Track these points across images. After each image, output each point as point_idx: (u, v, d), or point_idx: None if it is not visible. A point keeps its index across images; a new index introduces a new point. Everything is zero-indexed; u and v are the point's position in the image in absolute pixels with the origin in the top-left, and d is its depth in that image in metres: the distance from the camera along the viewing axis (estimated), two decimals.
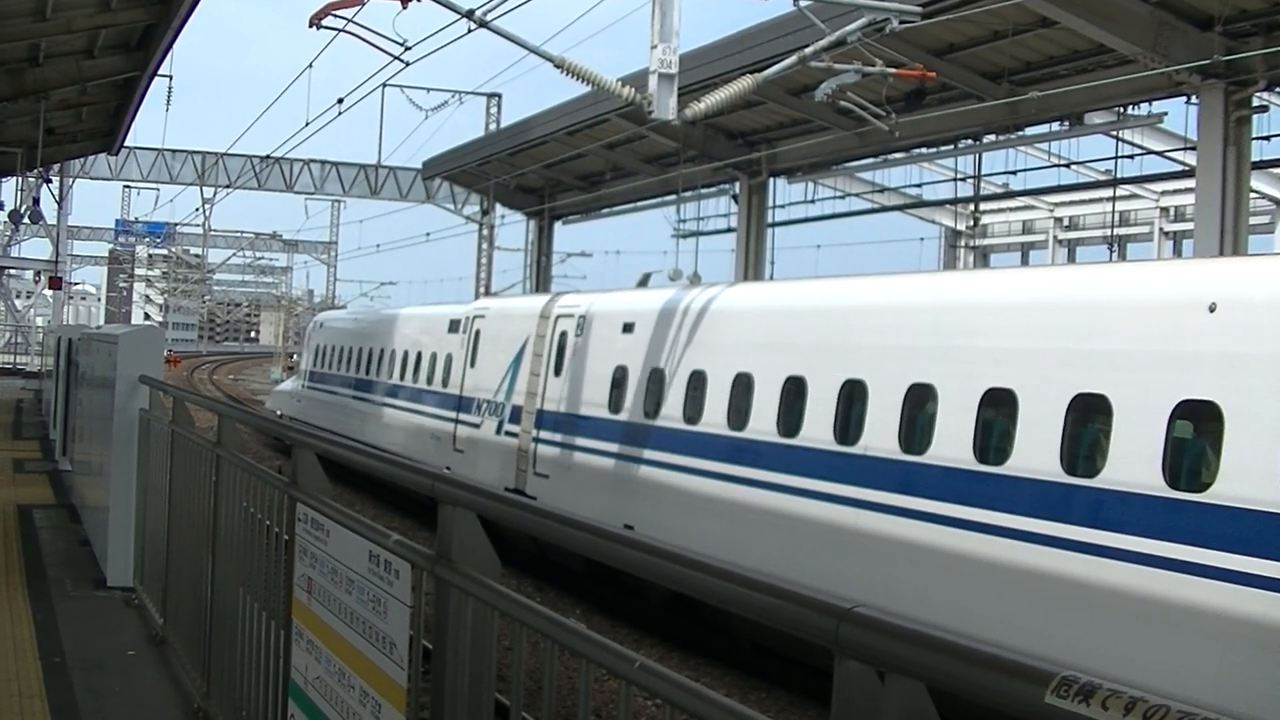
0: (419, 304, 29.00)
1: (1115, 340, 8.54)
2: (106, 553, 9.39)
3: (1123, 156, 21.14)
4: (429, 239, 50.58)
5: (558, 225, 35.58)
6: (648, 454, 13.79)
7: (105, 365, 9.91)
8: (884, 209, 28.28)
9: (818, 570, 10.29)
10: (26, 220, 34.11)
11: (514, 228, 55.85)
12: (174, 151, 45.74)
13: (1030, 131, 19.66)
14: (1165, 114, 17.80)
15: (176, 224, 65.97)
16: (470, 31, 14.22)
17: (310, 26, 14.33)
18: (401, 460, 4.30)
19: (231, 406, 7.87)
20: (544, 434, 16.21)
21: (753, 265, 25.09)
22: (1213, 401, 7.71)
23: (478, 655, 3.25)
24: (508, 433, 17.31)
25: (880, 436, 10.27)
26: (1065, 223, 31.86)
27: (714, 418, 12.67)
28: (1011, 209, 31.54)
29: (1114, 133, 19.97)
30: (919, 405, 10.03)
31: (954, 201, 26.93)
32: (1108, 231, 27.06)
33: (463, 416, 19.08)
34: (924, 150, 21.79)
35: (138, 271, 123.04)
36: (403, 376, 22.66)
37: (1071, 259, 31.00)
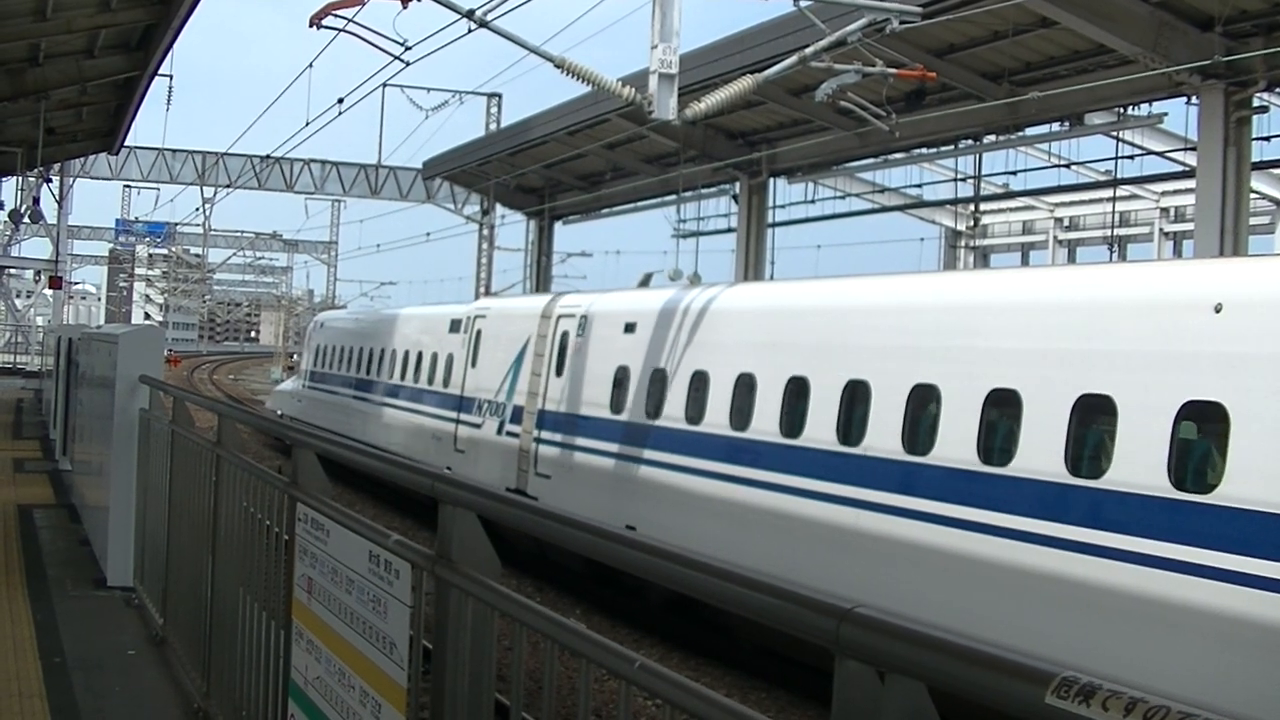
0: (419, 304, 29.01)
1: (1120, 341, 8.50)
2: (106, 552, 9.39)
3: (1123, 157, 21.15)
4: (429, 239, 50.68)
5: (558, 225, 35.58)
6: (649, 454, 13.78)
7: (105, 365, 9.91)
8: (884, 209, 28.29)
9: (821, 571, 10.28)
10: (27, 220, 34.14)
11: (514, 228, 55.92)
12: (174, 151, 45.75)
13: (1030, 132, 19.67)
14: (1165, 114, 17.83)
15: (176, 224, 66.00)
16: (470, 31, 14.23)
17: (310, 26, 14.33)
18: (402, 460, 4.30)
19: (231, 406, 7.87)
20: (545, 434, 16.20)
21: (753, 265, 25.09)
22: (1218, 403, 7.67)
23: (478, 655, 3.25)
24: (509, 433, 17.30)
25: (883, 437, 10.26)
26: (1065, 223, 31.85)
27: (716, 418, 12.65)
28: (1012, 209, 31.54)
29: (1114, 133, 19.97)
30: (922, 406, 10.02)
31: (954, 202, 26.93)
32: (1108, 232, 27.06)
33: (464, 416, 19.08)
34: (924, 150, 21.79)
35: (138, 271, 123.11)
36: (404, 376, 22.66)
37: (1072, 259, 30.99)
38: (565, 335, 16.27)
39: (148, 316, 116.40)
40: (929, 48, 17.39)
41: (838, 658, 1.93)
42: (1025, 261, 32.57)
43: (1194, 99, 15.69)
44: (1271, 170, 21.11)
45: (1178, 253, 27.87)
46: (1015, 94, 17.93)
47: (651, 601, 13.56)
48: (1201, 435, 7.98)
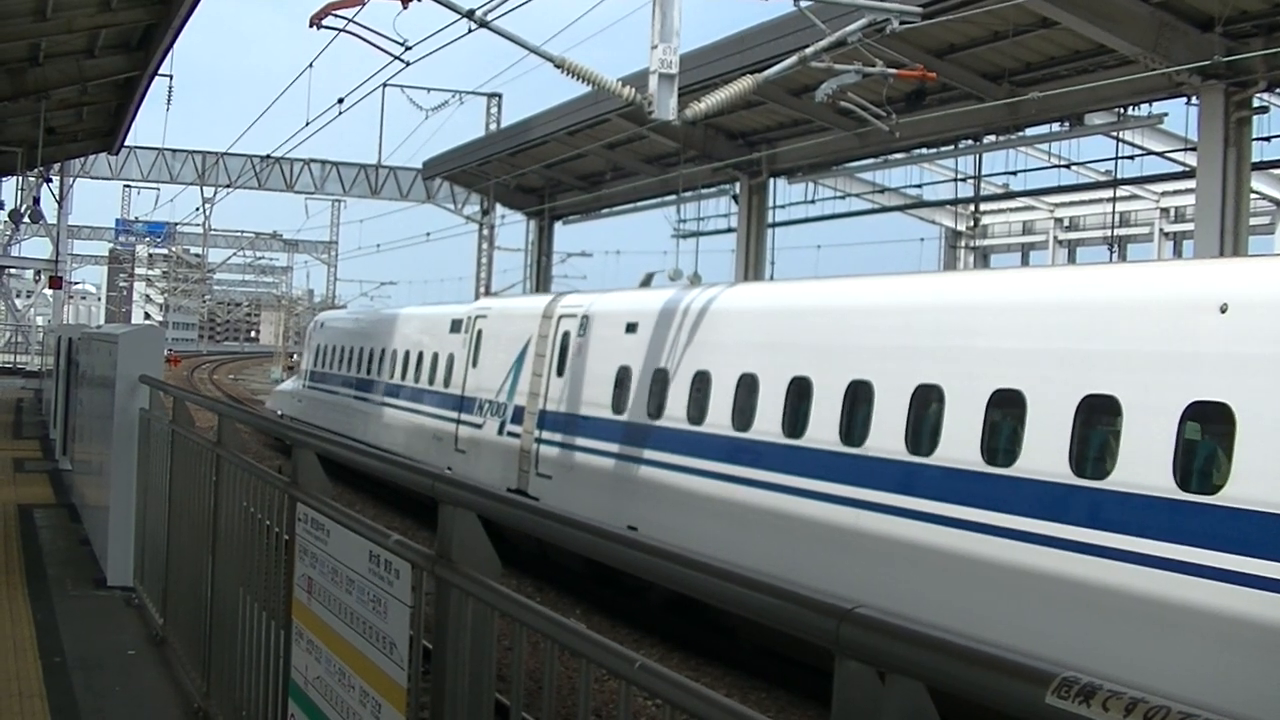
0: (419, 304, 29.01)
1: (1125, 341, 8.47)
2: (106, 552, 9.39)
3: (1123, 157, 21.16)
4: (429, 239, 50.66)
5: (558, 225, 35.58)
6: (651, 455, 13.75)
7: (105, 365, 9.91)
8: (884, 209, 28.29)
9: (823, 572, 10.26)
10: (27, 220, 34.13)
11: (514, 228, 55.92)
12: (174, 151, 45.75)
13: (1030, 132, 19.67)
14: (1166, 115, 17.82)
15: (177, 223, 65.99)
16: (470, 31, 14.23)
17: (310, 26, 14.33)
18: (402, 460, 4.30)
19: (232, 406, 7.87)
20: (546, 434, 16.18)
21: (753, 265, 25.09)
22: (1224, 403, 7.65)
23: (478, 655, 3.25)
24: (510, 433, 17.29)
25: (887, 437, 10.24)
26: (1065, 223, 31.84)
27: (719, 418, 12.62)
28: (1012, 209, 31.53)
29: (1114, 133, 19.97)
30: (926, 406, 10.00)
31: (954, 202, 26.93)
32: (1108, 232, 27.05)
33: (464, 417, 19.07)
34: (924, 151, 21.79)
35: (138, 271, 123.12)
36: (404, 376, 22.65)
37: (1072, 260, 30.98)
38: (566, 335, 16.25)
39: (148, 316, 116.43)
40: (929, 48, 17.39)
41: (838, 658, 1.93)
42: (1025, 262, 32.56)
43: (1194, 99, 15.69)
44: (1272, 170, 21.11)
45: (1178, 253, 27.86)
46: (1015, 94, 17.93)
47: (652, 602, 13.56)
48: (1207, 436, 7.94)
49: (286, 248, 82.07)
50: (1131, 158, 21.14)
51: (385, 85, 30.35)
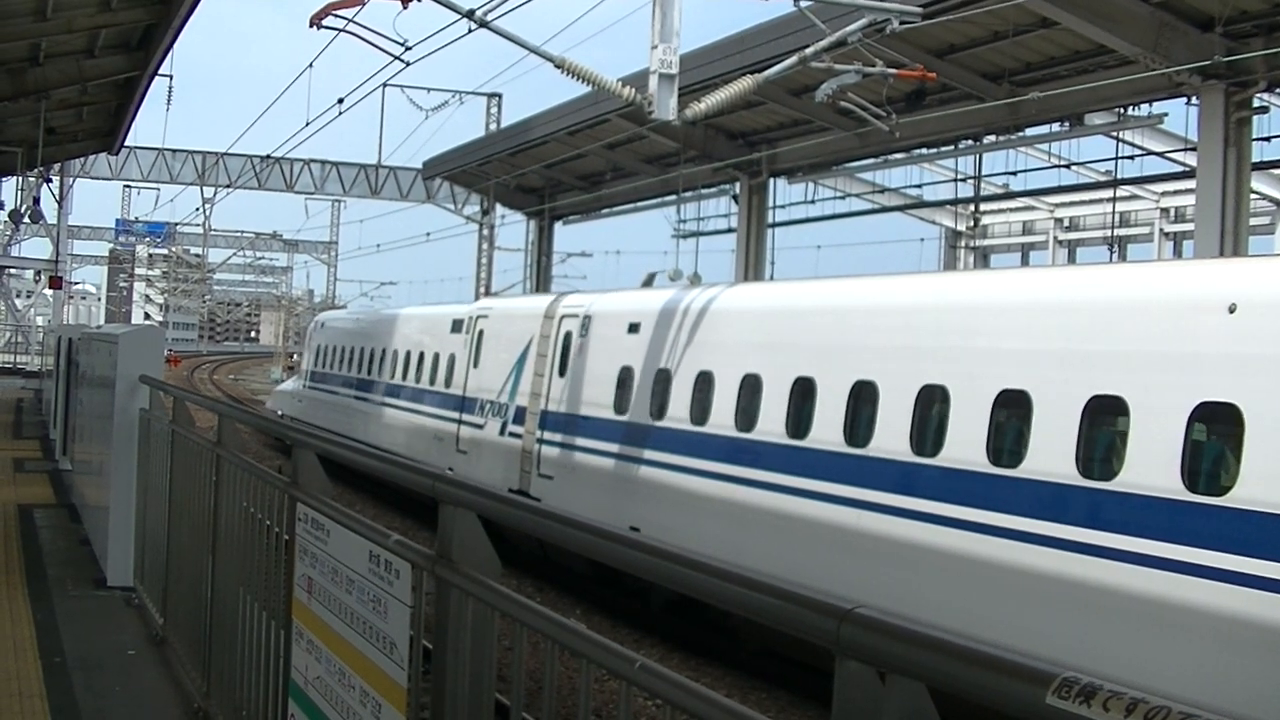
0: (420, 304, 29.00)
1: (1132, 341, 8.42)
2: (107, 552, 9.39)
3: (1123, 157, 21.15)
4: (429, 239, 50.68)
5: (558, 225, 35.59)
6: (653, 455, 13.71)
7: (105, 365, 9.91)
8: (884, 209, 28.29)
9: (828, 574, 10.23)
10: (27, 220, 34.15)
11: (514, 228, 55.94)
12: (174, 151, 45.76)
13: (1030, 132, 19.66)
14: (1166, 115, 17.82)
15: (177, 224, 65.96)
16: (470, 31, 14.23)
17: (310, 26, 14.33)
18: (402, 460, 4.30)
19: (232, 406, 7.87)
20: (548, 435, 16.16)
21: (753, 266, 25.09)
22: (1232, 404, 7.61)
23: (478, 655, 3.25)
24: (511, 433, 17.27)
25: (892, 438, 10.21)
26: (1065, 223, 31.85)
27: (722, 419, 12.59)
28: (1012, 210, 31.53)
29: (1114, 133, 19.97)
30: (931, 407, 9.97)
31: (954, 202, 26.93)
32: (1108, 232, 27.05)
33: (466, 417, 19.06)
34: (924, 151, 21.79)
35: (138, 271, 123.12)
36: (405, 377, 22.65)
37: (1072, 260, 30.99)
38: (568, 335, 16.23)
39: (148, 316, 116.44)
40: (929, 48, 17.39)
41: (838, 658, 1.93)
42: (1025, 262, 32.56)
43: (1194, 99, 15.68)
44: (1272, 170, 21.11)
45: (1178, 253, 27.86)
46: (1015, 94, 17.93)
47: (653, 604, 13.55)
48: (1215, 437, 7.90)
49: (286, 248, 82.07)
50: (1131, 158, 21.15)
51: (385, 85, 30.38)
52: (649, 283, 17.82)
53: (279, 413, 30.76)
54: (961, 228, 30.45)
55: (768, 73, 14.53)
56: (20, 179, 33.44)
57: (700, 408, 12.98)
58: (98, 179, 45.40)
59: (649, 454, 13.79)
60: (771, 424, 11.76)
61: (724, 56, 18.95)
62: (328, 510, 4.24)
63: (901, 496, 9.96)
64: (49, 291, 45.23)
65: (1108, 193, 24.45)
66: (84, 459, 12.65)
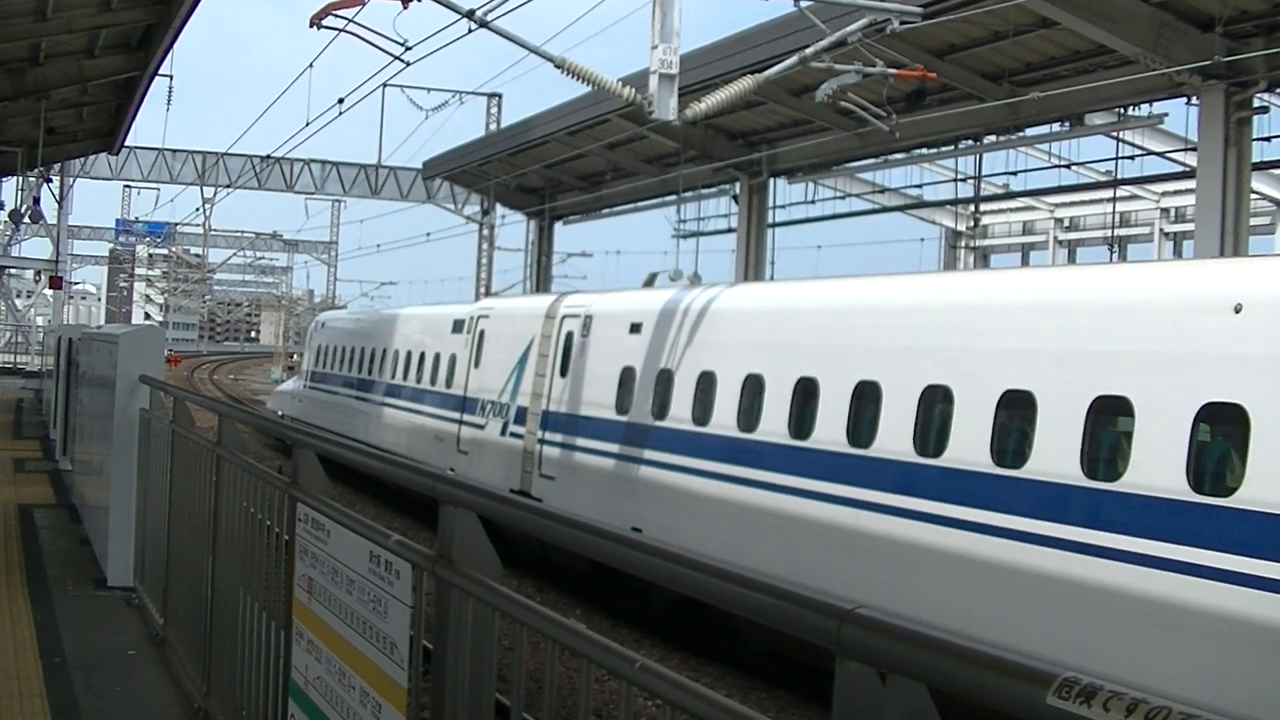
0: (420, 304, 29.00)
1: (1137, 342, 8.39)
2: (107, 552, 9.39)
3: (1123, 157, 21.15)
4: (429, 239, 50.67)
5: (558, 225, 35.59)
6: (655, 456, 13.68)
7: (105, 365, 9.91)
8: (884, 209, 28.29)
9: (831, 575, 10.21)
10: (27, 220, 34.15)
11: (514, 228, 55.96)
12: (174, 151, 45.76)
13: (1031, 132, 19.66)
14: (1166, 115, 17.82)
15: (177, 224, 65.97)
16: (470, 31, 14.23)
17: (311, 26, 14.33)
18: (402, 460, 4.30)
19: (232, 406, 7.87)
20: (549, 435, 16.14)
21: (753, 266, 25.09)
22: (1238, 404, 7.58)
23: (478, 655, 3.25)
24: (513, 434, 17.25)
25: (895, 438, 10.18)
26: (1065, 223, 31.85)
27: (724, 419, 12.56)
28: (1012, 210, 31.54)
29: (1114, 133, 19.97)
30: (934, 407, 9.93)
31: (954, 202, 26.94)
32: (1108, 232, 27.05)
33: (467, 417, 19.05)
34: (924, 151, 21.79)
35: (138, 271, 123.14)
36: (406, 377, 22.64)
37: (1072, 260, 30.99)
38: (570, 335, 16.21)
39: (148, 316, 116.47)
40: (929, 48, 17.39)
41: (839, 658, 1.92)
42: (1025, 262, 32.55)
43: (1194, 99, 15.68)
44: (1272, 171, 21.10)
45: (1178, 253, 27.86)
46: (1016, 94, 17.93)
47: (654, 604, 13.53)
48: (1220, 438, 7.88)
49: (286, 248, 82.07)
50: (1132, 158, 21.15)
51: (385, 85, 30.39)
52: (650, 283, 17.80)
53: (279, 413, 30.76)
54: (962, 228, 30.45)
55: (768, 73, 14.53)
56: (20, 179, 33.45)
57: (702, 408, 12.95)
58: (98, 179, 45.42)
59: (651, 454, 13.76)
60: (774, 424, 11.73)
61: (724, 56, 18.95)
62: (328, 510, 4.24)
63: (905, 497, 9.93)
64: (49, 291, 45.25)
65: (1108, 193, 24.45)
66: (84, 459, 12.65)
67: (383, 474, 4.21)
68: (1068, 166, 24.33)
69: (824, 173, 24.13)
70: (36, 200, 32.96)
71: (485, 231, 39.75)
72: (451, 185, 39.27)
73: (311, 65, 24.53)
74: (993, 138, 20.22)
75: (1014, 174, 24.41)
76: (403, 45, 15.27)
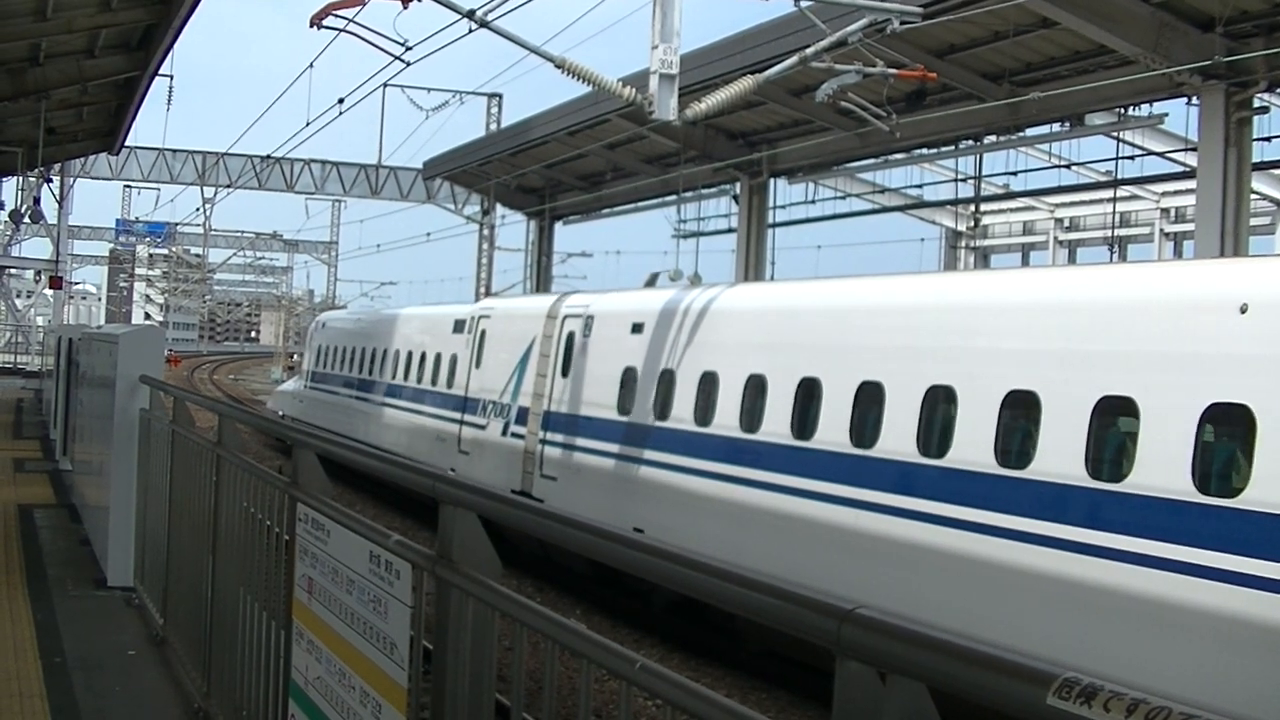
0: (420, 304, 28.99)
1: (1142, 342, 8.37)
2: (107, 552, 9.39)
3: (1123, 157, 21.15)
4: (429, 239, 50.61)
5: (558, 225, 35.59)
6: (657, 456, 13.66)
7: (106, 365, 9.91)
8: (885, 209, 28.30)
9: (833, 576, 10.20)
10: (27, 220, 34.16)
11: (514, 228, 55.88)
12: (174, 151, 45.77)
13: (1031, 132, 19.66)
14: (1166, 115, 17.82)
15: (177, 224, 65.99)
16: (471, 31, 14.23)
17: (311, 26, 14.33)
18: (402, 460, 4.30)
19: (232, 406, 7.87)
20: (551, 435, 16.12)
21: (753, 266, 25.09)
22: (1244, 404, 7.56)
23: (478, 655, 3.25)
24: (514, 434, 17.24)
25: (898, 439, 10.16)
26: (1066, 224, 31.85)
27: (726, 419, 12.53)
28: (1012, 210, 31.54)
29: (1115, 134, 19.97)
30: (937, 407, 9.92)
31: (955, 202, 26.93)
32: (1108, 232, 27.05)
33: (468, 418, 19.04)
34: (925, 151, 21.79)
35: (138, 271, 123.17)
36: (406, 377, 22.63)
37: (1072, 260, 30.99)
38: (571, 336, 16.20)
39: (148, 316, 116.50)
40: (929, 48, 17.39)
41: (839, 658, 1.92)
42: (1025, 262, 32.55)
43: (1194, 99, 15.68)
44: (1272, 171, 21.10)
45: (1178, 253, 27.86)
46: (1016, 94, 17.93)
47: (655, 605, 13.53)
48: (1226, 438, 7.85)
49: (286, 248, 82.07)
50: (1132, 158, 21.15)
51: (385, 85, 30.38)
52: (652, 283, 17.80)
53: (279, 413, 30.75)
54: (962, 228, 30.45)
55: (768, 73, 14.53)
56: (20, 179, 33.46)
57: (704, 408, 12.93)
58: (98, 179, 45.43)
59: (652, 455, 13.74)
60: (776, 425, 11.70)
61: (724, 56, 18.95)
62: (328, 510, 4.24)
63: (908, 498, 9.91)
64: (49, 291, 45.25)
65: (1108, 193, 24.45)
66: (84, 459, 12.65)
67: (383, 474, 4.21)
68: (1068, 167, 24.34)
69: (824, 173, 24.13)
70: (36, 200, 32.96)
71: (485, 231, 39.75)
72: (452, 185, 39.27)
73: (312, 65, 24.56)
74: (993, 138, 20.22)
75: (1014, 174, 24.44)
76: (403, 45, 15.28)
